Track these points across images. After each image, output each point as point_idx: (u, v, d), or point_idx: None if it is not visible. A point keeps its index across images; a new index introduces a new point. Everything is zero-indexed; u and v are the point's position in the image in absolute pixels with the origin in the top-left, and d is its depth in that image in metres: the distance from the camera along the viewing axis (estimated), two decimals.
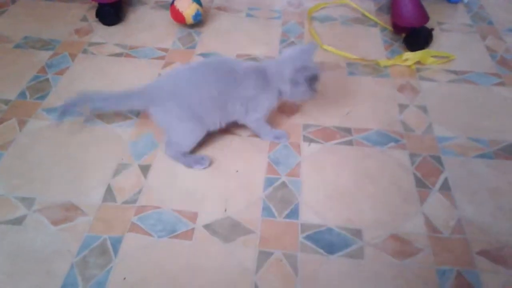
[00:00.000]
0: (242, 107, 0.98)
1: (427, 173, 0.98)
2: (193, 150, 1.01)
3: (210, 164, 0.99)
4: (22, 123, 1.08)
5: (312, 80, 0.98)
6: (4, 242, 0.84)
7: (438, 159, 1.01)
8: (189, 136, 0.98)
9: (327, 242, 0.86)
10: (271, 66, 1.00)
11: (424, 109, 1.14)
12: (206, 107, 0.95)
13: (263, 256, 0.83)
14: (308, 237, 0.86)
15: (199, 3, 1.36)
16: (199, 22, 1.41)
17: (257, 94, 0.98)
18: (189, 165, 0.98)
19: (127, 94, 0.99)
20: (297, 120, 1.10)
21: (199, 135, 0.98)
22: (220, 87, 0.95)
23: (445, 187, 0.96)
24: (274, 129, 1.06)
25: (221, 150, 1.02)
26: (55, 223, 0.88)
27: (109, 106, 1.03)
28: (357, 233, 0.87)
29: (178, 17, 1.37)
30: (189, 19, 1.37)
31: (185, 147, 0.99)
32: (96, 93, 1.01)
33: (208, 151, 1.02)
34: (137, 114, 1.10)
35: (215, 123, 0.99)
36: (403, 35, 1.36)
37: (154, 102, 0.96)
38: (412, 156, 1.02)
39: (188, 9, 1.34)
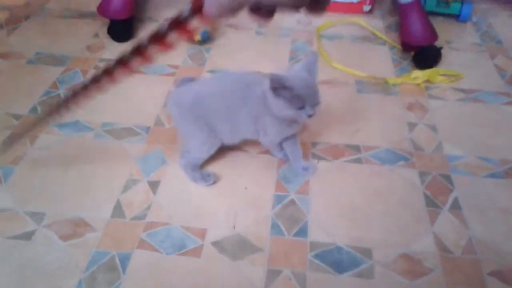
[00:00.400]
0: (251, 126, 0.95)
1: (437, 192, 0.98)
2: (203, 165, 1.01)
3: (215, 182, 0.99)
4: (33, 138, 1.09)
5: (295, 94, 0.85)
6: (13, 256, 0.84)
7: (448, 178, 1.01)
8: (202, 147, 0.97)
9: (336, 261, 0.85)
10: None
11: (433, 127, 1.14)
12: (218, 119, 0.94)
13: (272, 274, 0.82)
14: (317, 256, 0.86)
15: None
16: (207, 39, 1.42)
17: (262, 115, 0.93)
18: (195, 180, 0.99)
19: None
20: (306, 138, 1.10)
21: (212, 148, 0.98)
22: (231, 102, 0.94)
23: (456, 206, 0.95)
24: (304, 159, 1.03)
25: (230, 167, 1.02)
26: (64, 238, 0.88)
27: None
28: (367, 252, 0.86)
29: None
30: (197, 36, 1.38)
31: (197, 159, 0.99)
32: None
33: (216, 167, 1.02)
34: (147, 130, 1.11)
35: (228, 138, 0.98)
36: (412, 53, 1.36)
37: (176, 106, 0.96)
38: (422, 174, 1.02)
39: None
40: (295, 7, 0.31)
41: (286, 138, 0.99)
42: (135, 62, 0.58)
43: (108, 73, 0.66)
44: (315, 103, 0.88)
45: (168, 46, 0.50)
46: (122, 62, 0.61)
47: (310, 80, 0.90)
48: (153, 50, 0.54)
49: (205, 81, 0.99)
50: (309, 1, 0.32)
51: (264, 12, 0.33)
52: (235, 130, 0.97)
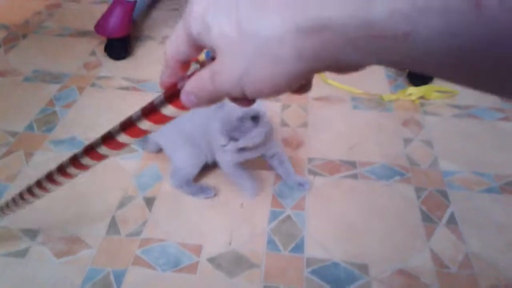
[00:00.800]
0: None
1: (433, 208, 0.98)
2: (197, 180, 1.01)
3: (215, 194, 0.99)
4: (28, 155, 1.08)
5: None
6: (7, 274, 0.84)
7: (444, 193, 1.01)
8: (188, 160, 0.98)
9: (333, 277, 0.84)
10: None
11: (428, 143, 1.15)
12: (197, 134, 0.97)
13: None
14: (313, 272, 0.85)
15: None
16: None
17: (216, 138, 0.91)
18: (194, 194, 0.98)
19: None
20: (302, 154, 1.11)
21: (198, 161, 0.99)
22: (205, 120, 0.95)
23: (452, 222, 0.95)
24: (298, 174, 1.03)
25: (226, 183, 1.02)
26: (58, 255, 0.87)
27: None
28: (364, 268, 0.86)
29: None
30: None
31: (187, 174, 0.99)
32: None
33: (212, 182, 1.02)
34: (143, 146, 1.11)
35: (207, 154, 1.00)
36: (407, 70, 1.37)
37: None
38: (418, 190, 1.02)
39: None
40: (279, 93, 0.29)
41: (270, 158, 1.01)
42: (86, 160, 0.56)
43: (60, 170, 0.63)
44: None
45: (119, 147, 0.47)
46: (73, 160, 0.59)
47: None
48: (104, 150, 0.50)
49: None
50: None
51: (244, 100, 0.32)
52: (209, 148, 0.99)
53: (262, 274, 0.85)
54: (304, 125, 1.20)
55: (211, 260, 0.87)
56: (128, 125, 0.41)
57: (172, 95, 0.34)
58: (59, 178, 0.61)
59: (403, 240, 0.91)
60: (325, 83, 1.36)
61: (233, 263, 0.86)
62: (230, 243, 0.90)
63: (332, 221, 0.95)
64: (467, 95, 1.32)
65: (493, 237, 0.92)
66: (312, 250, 0.89)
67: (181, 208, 0.97)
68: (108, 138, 0.48)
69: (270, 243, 0.90)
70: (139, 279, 0.83)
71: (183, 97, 0.32)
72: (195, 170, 0.99)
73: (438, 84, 1.35)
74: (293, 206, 0.98)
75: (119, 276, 0.84)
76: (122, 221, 0.94)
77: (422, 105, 1.28)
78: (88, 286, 0.82)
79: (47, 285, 0.82)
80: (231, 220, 0.95)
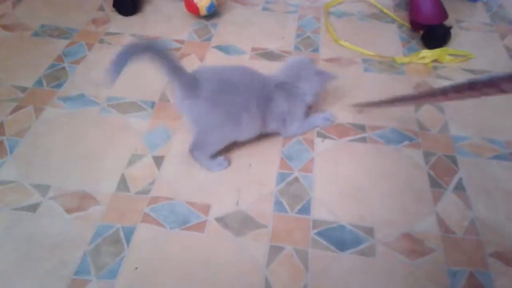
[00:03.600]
0: (278, 122, 0.99)
1: (442, 173, 0.98)
2: None
3: (229, 164, 0.99)
4: (38, 111, 1.09)
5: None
6: (19, 228, 0.85)
7: (453, 159, 1.01)
8: (226, 139, 0.96)
9: (338, 239, 0.85)
10: (290, 78, 1.00)
11: (440, 108, 1.13)
12: (247, 116, 0.91)
13: (274, 251, 0.83)
14: (319, 234, 0.86)
15: None
16: (213, 13, 1.41)
17: (289, 107, 0.98)
18: (210, 168, 0.97)
19: (181, 69, 0.87)
20: None
21: (233, 139, 0.97)
22: (258, 100, 0.92)
23: (460, 188, 0.95)
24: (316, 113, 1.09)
25: (235, 144, 1.02)
26: (69, 211, 0.88)
27: (161, 67, 0.85)
28: (369, 231, 0.87)
29: (192, 8, 1.37)
30: (203, 11, 1.37)
31: (215, 150, 0.96)
32: (161, 47, 0.84)
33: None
34: (152, 105, 1.11)
35: (251, 133, 0.97)
36: (421, 32, 1.34)
37: (197, 96, 0.88)
38: (427, 155, 1.01)
39: (202, 0, 1.34)
40: None
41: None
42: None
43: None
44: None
45: None
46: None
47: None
48: None
49: (225, 69, 0.95)
50: None
51: None
52: (260, 126, 0.97)
53: (269, 234, 0.86)
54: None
55: (219, 219, 0.88)
56: None
57: None
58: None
59: (409, 204, 0.92)
60: (336, 43, 1.33)
61: (241, 222, 0.88)
62: (237, 203, 0.91)
63: (339, 184, 0.95)
64: (481, 60, 1.29)
65: (500, 204, 0.92)
66: (319, 212, 0.90)
67: (190, 167, 0.97)
68: None
69: (278, 204, 0.91)
70: (147, 236, 0.85)
71: None
72: (223, 146, 0.97)
73: (452, 47, 1.32)
74: (301, 168, 0.98)
75: (128, 233, 0.85)
76: (131, 179, 0.95)
77: (435, 68, 1.26)
78: (98, 242, 0.83)
79: (57, 239, 0.84)
80: (239, 180, 0.95)
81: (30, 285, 0.78)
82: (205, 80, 0.88)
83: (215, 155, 0.97)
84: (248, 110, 0.91)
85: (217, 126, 0.91)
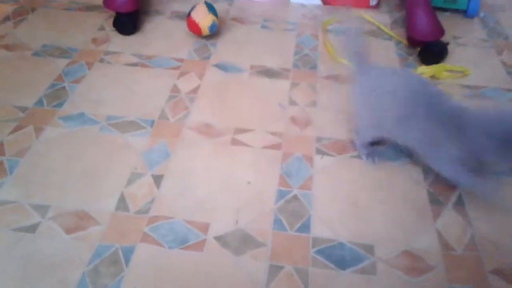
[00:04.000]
0: (449, 154, 0.87)
1: (441, 189, 0.98)
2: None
3: (376, 161, 1.03)
4: (38, 131, 1.09)
5: None
6: (18, 248, 0.85)
7: None
8: (367, 130, 1.01)
9: (339, 257, 0.85)
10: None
11: None
12: (403, 128, 0.92)
13: (274, 270, 0.83)
14: (319, 252, 0.86)
15: (215, 14, 1.38)
16: (214, 33, 1.42)
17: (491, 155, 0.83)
18: (360, 156, 1.04)
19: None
20: (310, 133, 1.10)
21: (376, 136, 1.01)
22: (432, 126, 0.87)
23: (459, 203, 0.95)
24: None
25: (234, 161, 1.03)
26: (68, 231, 0.88)
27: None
28: (369, 248, 0.87)
29: (194, 28, 1.38)
30: (205, 30, 1.38)
31: (364, 137, 1.03)
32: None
33: (219, 161, 1.02)
34: (151, 123, 1.11)
35: (398, 139, 0.97)
36: (418, 49, 1.35)
37: (365, 77, 0.98)
38: (426, 171, 1.01)
39: (204, 20, 1.35)
40: None
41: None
42: None
43: None
44: None
45: None
46: None
47: None
48: None
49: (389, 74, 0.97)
50: None
51: None
52: (417, 144, 0.94)
53: (268, 252, 0.85)
54: (313, 104, 1.19)
55: (218, 238, 0.88)
56: None
57: None
58: None
59: (409, 221, 0.92)
60: (334, 61, 1.34)
61: (240, 241, 0.87)
62: (237, 222, 0.91)
63: (339, 201, 0.95)
64: (478, 75, 1.30)
65: (500, 219, 0.92)
66: (319, 230, 0.90)
67: (189, 185, 0.98)
68: None
69: (277, 222, 0.91)
70: (147, 256, 0.85)
71: None
72: (370, 139, 1.03)
73: (449, 63, 1.33)
74: (300, 185, 0.98)
75: (128, 253, 0.85)
76: (130, 197, 0.95)
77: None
78: (96, 262, 0.83)
79: (56, 260, 0.83)
80: (238, 198, 0.95)
81: None
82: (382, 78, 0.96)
83: (371, 144, 1.04)
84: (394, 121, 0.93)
85: (362, 114, 1.01)
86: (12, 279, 0.80)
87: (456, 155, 0.86)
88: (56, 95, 1.20)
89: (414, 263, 0.84)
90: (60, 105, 1.17)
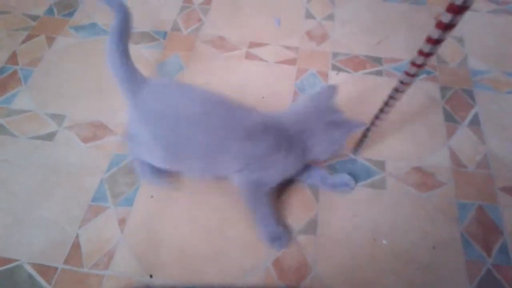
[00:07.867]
0: (237, 163, 0.74)
1: (458, 107, 0.96)
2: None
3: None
4: (50, 40, 1.08)
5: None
6: (37, 155, 0.88)
7: (470, 93, 0.99)
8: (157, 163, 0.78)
9: (350, 171, 0.86)
10: (291, 121, 0.76)
11: (460, 40, 1.09)
12: (188, 148, 0.73)
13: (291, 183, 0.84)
14: (331, 167, 0.87)
15: None
16: None
17: (271, 154, 0.74)
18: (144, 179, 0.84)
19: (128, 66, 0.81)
20: (326, 48, 1.07)
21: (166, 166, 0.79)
22: (216, 134, 0.72)
23: (475, 122, 0.94)
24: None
25: (247, 76, 1.01)
26: (85, 140, 0.90)
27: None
28: (380, 164, 0.87)
29: None
30: None
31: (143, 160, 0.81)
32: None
33: (233, 75, 1.01)
34: (164, 35, 1.09)
35: (192, 170, 0.79)
36: None
37: (137, 102, 0.77)
38: (443, 89, 0.99)
39: None
40: None
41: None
42: None
43: None
44: None
45: None
46: None
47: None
48: None
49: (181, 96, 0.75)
50: None
51: None
52: (208, 165, 0.76)
53: None
54: (330, 17, 1.15)
55: None
56: None
57: None
58: None
59: (423, 138, 0.91)
60: None
61: None
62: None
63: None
64: None
65: None
66: None
67: None
68: None
69: None
70: None
71: None
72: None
73: None
74: None
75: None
76: None
77: None
78: (114, 171, 0.85)
79: (75, 167, 0.86)
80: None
81: (51, 207, 0.81)
82: (151, 95, 0.76)
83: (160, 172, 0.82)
84: (191, 141, 0.72)
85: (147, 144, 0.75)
86: (34, 184, 0.83)
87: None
88: (67, 3, 1.17)
89: (425, 179, 0.85)
90: (71, 14, 1.14)
